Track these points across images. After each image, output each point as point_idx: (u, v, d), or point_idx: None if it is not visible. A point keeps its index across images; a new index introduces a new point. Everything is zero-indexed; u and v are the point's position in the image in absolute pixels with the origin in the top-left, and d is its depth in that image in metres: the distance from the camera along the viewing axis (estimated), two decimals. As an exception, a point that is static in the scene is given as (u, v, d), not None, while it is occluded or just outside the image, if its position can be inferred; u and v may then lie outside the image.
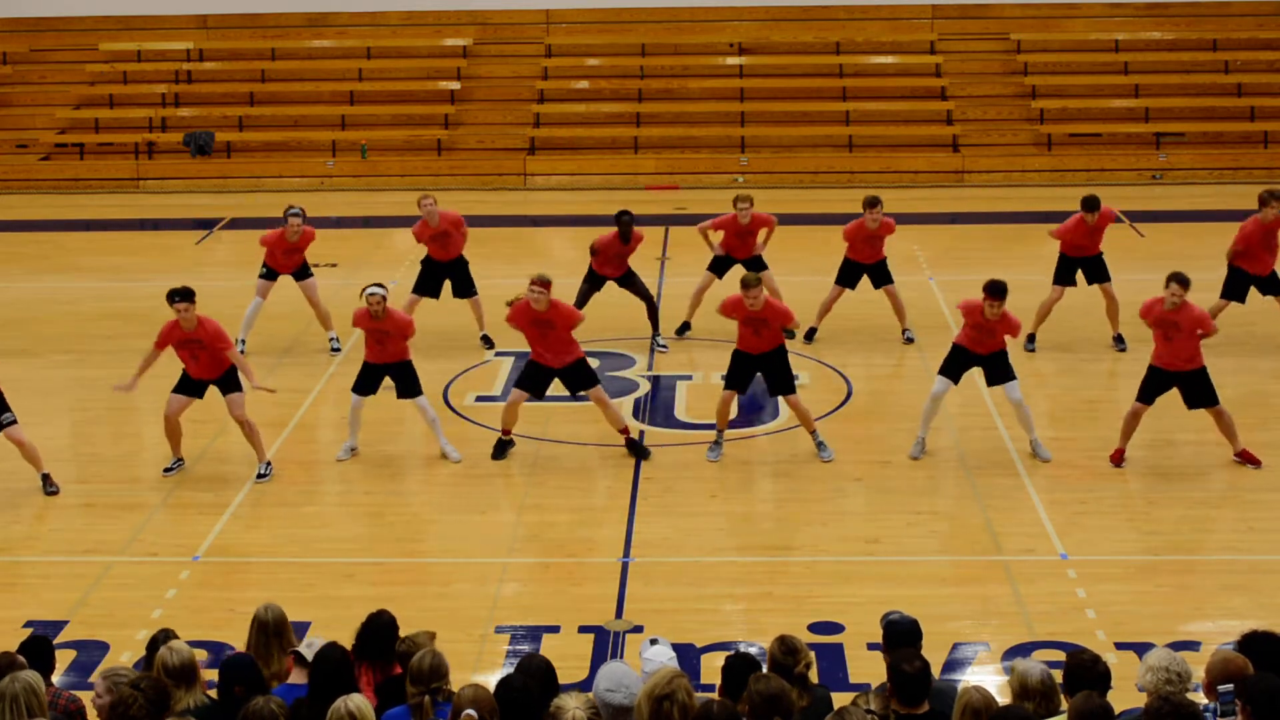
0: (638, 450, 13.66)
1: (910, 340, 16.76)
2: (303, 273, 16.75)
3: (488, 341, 16.72)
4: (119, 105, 27.94)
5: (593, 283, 16.46)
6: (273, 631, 7.91)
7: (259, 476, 13.18)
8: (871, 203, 16.39)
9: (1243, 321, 16.96)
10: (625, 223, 16.15)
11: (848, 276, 16.69)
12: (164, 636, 7.89)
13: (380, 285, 13.49)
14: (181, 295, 12.92)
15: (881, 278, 16.62)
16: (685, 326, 17.22)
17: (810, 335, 16.86)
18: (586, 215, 23.02)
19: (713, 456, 13.62)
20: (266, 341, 17.02)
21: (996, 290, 13.06)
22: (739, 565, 11.71)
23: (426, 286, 16.64)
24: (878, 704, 6.58)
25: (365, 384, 13.73)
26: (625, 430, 13.66)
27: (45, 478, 13.07)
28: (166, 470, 13.46)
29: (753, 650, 9.69)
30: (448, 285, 16.68)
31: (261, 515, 12.64)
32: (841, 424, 14.47)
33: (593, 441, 14.15)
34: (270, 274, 16.70)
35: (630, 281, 16.61)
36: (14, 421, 12.92)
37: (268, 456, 13.46)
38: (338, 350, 16.71)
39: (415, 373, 13.68)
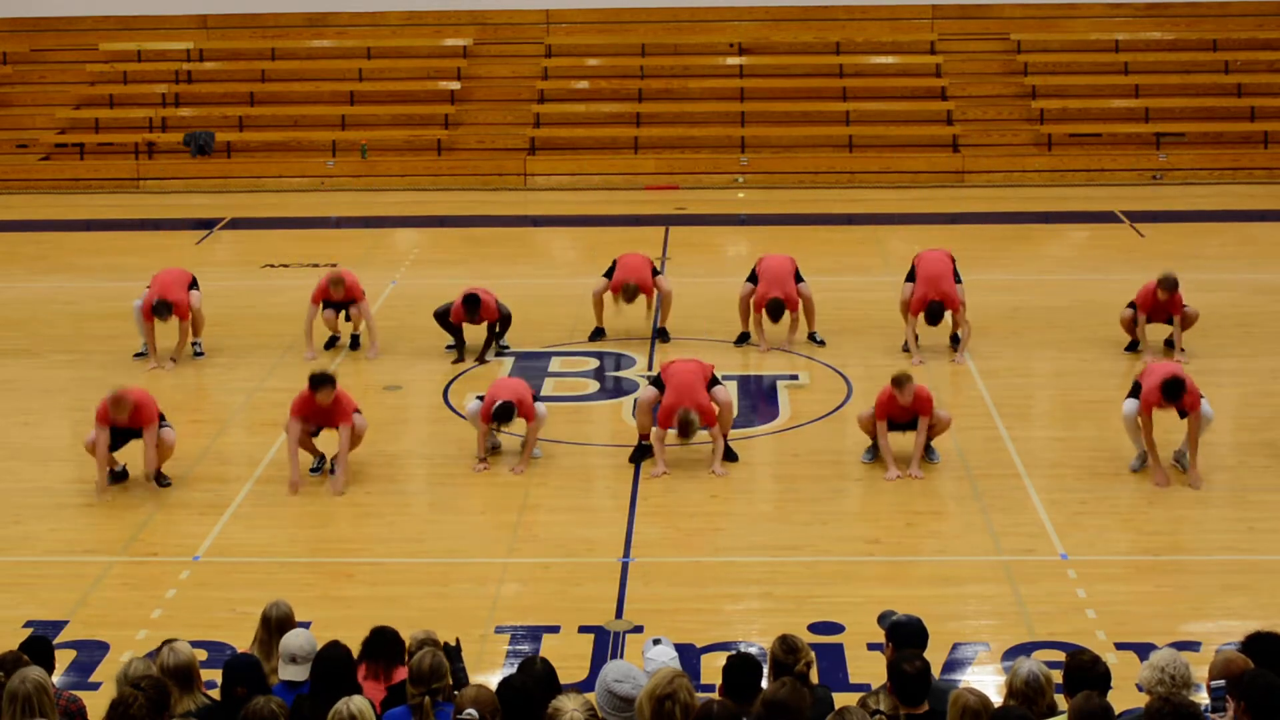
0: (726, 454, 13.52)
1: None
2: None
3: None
4: (119, 105, 27.93)
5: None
6: (276, 628, 7.93)
7: None
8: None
9: (1244, 321, 17.00)
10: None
11: None
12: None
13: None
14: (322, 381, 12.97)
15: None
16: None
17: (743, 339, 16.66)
18: (587, 215, 23.05)
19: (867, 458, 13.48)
20: (269, 341, 17.02)
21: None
22: (739, 565, 11.71)
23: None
24: (887, 704, 6.59)
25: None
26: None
27: (159, 474, 13.06)
28: (314, 470, 13.44)
29: (753, 650, 9.70)
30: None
31: (262, 515, 12.63)
32: (841, 424, 14.47)
33: (593, 442, 14.16)
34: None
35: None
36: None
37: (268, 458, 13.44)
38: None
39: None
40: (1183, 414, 12.76)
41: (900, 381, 12.89)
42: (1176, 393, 12.52)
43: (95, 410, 12.90)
